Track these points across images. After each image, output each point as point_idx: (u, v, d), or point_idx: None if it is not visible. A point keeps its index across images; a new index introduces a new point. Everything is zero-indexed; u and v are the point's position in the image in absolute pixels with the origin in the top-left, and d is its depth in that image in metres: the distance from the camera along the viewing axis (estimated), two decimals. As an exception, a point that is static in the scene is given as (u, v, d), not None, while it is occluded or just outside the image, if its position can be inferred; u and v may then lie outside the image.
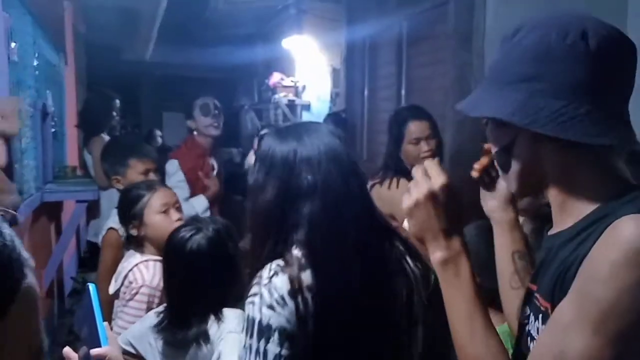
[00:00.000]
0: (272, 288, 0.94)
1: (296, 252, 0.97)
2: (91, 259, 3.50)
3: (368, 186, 1.35)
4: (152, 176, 1.87)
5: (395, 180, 1.94)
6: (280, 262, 0.97)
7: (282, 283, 0.94)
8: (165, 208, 1.52)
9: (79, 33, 4.84)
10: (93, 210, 3.16)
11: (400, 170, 1.96)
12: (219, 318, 1.26)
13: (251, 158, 3.65)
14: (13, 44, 2.23)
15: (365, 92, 4.24)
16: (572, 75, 0.70)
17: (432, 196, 0.80)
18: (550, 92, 0.71)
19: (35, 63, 2.75)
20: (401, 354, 1.05)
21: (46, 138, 2.95)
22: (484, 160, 0.95)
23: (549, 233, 0.79)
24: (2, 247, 0.49)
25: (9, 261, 0.49)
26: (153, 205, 1.51)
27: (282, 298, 0.94)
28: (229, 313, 1.28)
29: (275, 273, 0.95)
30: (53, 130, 3.19)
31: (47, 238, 3.16)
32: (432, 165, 0.83)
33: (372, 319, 0.99)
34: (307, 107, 6.04)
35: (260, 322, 0.94)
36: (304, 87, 5.97)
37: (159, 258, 1.48)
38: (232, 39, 6.61)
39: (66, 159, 3.81)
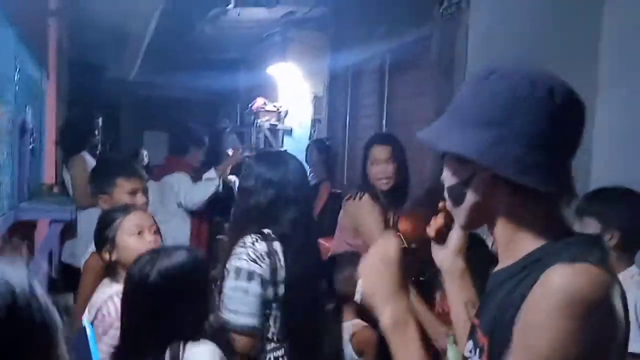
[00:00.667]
0: (255, 249, 1.43)
1: (268, 231, 1.48)
2: (64, 282, 3.40)
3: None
4: (139, 197, 1.78)
5: (359, 195, 2.12)
6: (258, 235, 1.46)
7: (261, 246, 1.44)
8: (139, 230, 1.44)
9: (62, 48, 4.80)
10: (70, 230, 3.08)
11: (366, 188, 2.12)
12: (176, 355, 1.17)
13: (231, 177, 3.64)
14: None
15: (347, 120, 4.31)
16: (536, 126, 0.76)
17: (384, 259, 0.89)
18: (515, 139, 0.76)
19: (16, 77, 2.72)
20: None
21: (23, 155, 2.89)
22: (440, 220, 1.01)
23: (494, 270, 0.84)
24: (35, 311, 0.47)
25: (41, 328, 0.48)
26: (126, 226, 1.44)
27: (262, 256, 1.43)
28: (197, 349, 1.19)
29: (256, 239, 1.45)
30: (31, 146, 3.14)
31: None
32: (389, 234, 0.96)
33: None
34: (289, 132, 6.08)
35: (247, 270, 1.40)
36: (286, 113, 6.03)
37: None
38: (217, 63, 6.66)
39: (43, 176, 3.73)
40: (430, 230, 1.02)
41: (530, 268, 0.74)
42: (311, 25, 5.05)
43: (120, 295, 1.33)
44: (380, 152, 2.09)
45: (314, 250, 1.59)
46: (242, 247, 1.43)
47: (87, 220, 3.10)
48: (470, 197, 0.82)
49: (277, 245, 1.46)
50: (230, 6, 4.38)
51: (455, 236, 1.01)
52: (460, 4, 2.71)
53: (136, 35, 4.97)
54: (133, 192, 1.76)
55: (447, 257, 1.01)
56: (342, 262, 1.97)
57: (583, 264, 0.70)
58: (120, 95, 7.17)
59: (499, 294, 0.78)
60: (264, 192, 1.48)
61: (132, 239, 1.43)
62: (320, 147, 4.07)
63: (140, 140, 7.54)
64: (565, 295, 0.67)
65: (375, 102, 3.83)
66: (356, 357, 1.83)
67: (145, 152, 4.74)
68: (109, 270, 1.45)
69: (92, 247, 1.67)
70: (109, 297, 1.38)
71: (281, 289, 1.45)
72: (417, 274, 1.72)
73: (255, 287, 1.39)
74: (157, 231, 1.50)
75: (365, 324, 1.89)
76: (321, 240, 3.31)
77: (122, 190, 1.75)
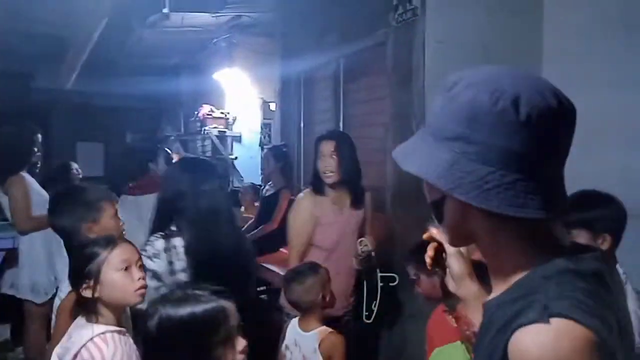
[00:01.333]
0: (152, 246, 1.71)
1: (173, 228, 1.75)
2: (3, 314, 3.12)
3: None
4: (118, 219, 1.72)
5: (304, 189, 2.38)
6: (160, 233, 1.74)
7: (159, 243, 1.71)
8: (125, 265, 1.34)
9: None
10: (9, 258, 2.82)
11: (314, 182, 2.29)
12: None
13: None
14: None
15: (302, 126, 4.28)
16: (500, 142, 0.67)
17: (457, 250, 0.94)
18: (479, 157, 0.68)
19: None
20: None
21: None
22: (430, 252, 0.98)
23: (486, 299, 0.79)
24: None
25: None
26: (112, 262, 1.32)
27: (157, 253, 1.69)
28: None
29: (156, 238, 1.73)
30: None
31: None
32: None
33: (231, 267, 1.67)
34: (237, 138, 5.97)
35: (145, 265, 1.51)
36: (234, 119, 5.91)
37: (119, 329, 1.32)
38: (158, 69, 6.40)
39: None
40: (428, 265, 0.98)
41: (520, 305, 0.68)
42: (259, 30, 4.97)
43: (103, 338, 1.23)
44: (325, 146, 2.20)
45: (222, 242, 1.76)
46: (145, 245, 1.70)
47: (30, 247, 2.88)
48: (446, 217, 0.76)
49: (176, 241, 1.70)
50: (166, 10, 4.21)
51: (454, 262, 0.95)
52: (416, 10, 2.76)
53: (75, 45, 4.67)
54: (116, 214, 1.67)
55: (452, 284, 0.97)
56: (303, 272, 1.99)
57: (557, 320, 0.64)
58: (51, 105, 6.69)
59: (491, 330, 0.72)
60: (168, 193, 1.77)
61: (119, 275, 1.31)
62: (277, 154, 4.01)
63: (72, 152, 7.09)
64: None
65: (330, 107, 3.83)
66: None
67: (75, 165, 4.40)
68: (86, 309, 1.32)
69: (64, 285, 1.52)
70: (89, 340, 1.25)
71: (181, 277, 1.67)
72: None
73: (149, 281, 1.52)
74: (142, 266, 1.39)
75: (330, 329, 1.94)
76: (282, 249, 3.31)
77: (108, 214, 1.63)
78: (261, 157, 5.07)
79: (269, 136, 5.18)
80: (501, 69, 0.73)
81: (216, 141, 5.78)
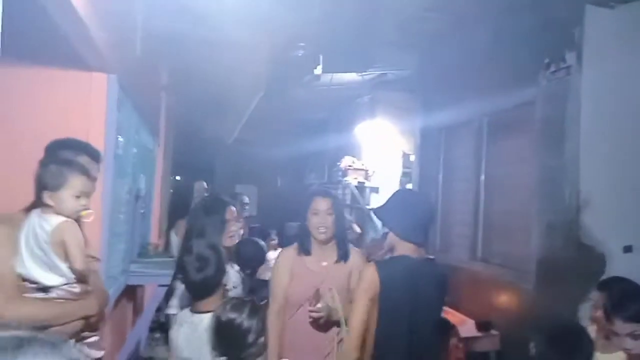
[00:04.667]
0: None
1: None
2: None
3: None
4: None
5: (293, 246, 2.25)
6: None
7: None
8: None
9: (170, 119, 5.24)
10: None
11: (303, 240, 2.19)
12: None
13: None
14: (120, 138, 2.44)
15: (440, 180, 4.19)
16: None
17: None
18: None
19: (134, 151, 2.98)
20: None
21: (136, 220, 3.12)
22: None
23: None
24: None
25: None
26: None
27: None
28: None
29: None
30: (142, 211, 3.38)
31: (124, 318, 3.24)
32: None
33: None
34: (375, 189, 6.08)
35: None
36: (373, 172, 6.05)
37: None
38: (307, 123, 6.92)
39: (150, 236, 4.00)
40: None
41: None
42: (400, 86, 5.09)
43: None
44: (322, 204, 2.13)
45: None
46: None
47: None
48: None
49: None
50: (318, 71, 4.56)
51: None
52: (570, 69, 2.57)
53: (239, 104, 5.33)
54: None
55: None
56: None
57: None
58: (216, 156, 7.65)
59: None
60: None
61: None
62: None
63: (232, 192, 8.01)
64: None
65: (470, 165, 3.69)
66: None
67: (245, 196, 5.04)
68: None
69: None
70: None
71: None
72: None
73: None
74: None
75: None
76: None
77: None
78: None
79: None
80: None
81: (355, 191, 5.95)
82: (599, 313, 1.85)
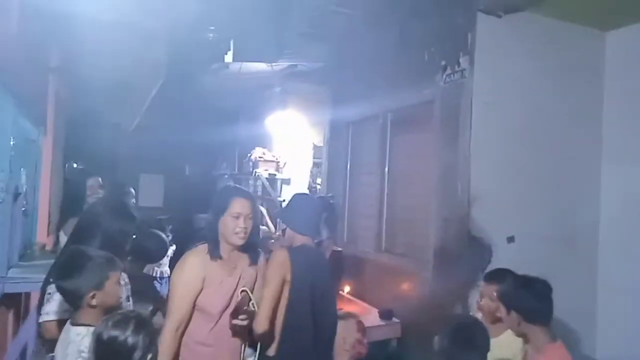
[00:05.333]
0: None
1: None
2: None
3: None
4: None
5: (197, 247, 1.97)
6: None
7: None
8: None
9: (60, 106, 4.75)
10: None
11: (214, 243, 1.94)
12: None
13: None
14: (-9, 130, 2.15)
15: (347, 174, 4.26)
16: None
17: None
18: None
19: (12, 143, 2.66)
20: None
21: (15, 219, 2.79)
22: None
23: None
24: None
25: None
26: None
27: None
28: None
29: None
30: (23, 208, 3.04)
31: (3, 328, 2.91)
32: None
33: None
34: (287, 181, 6.05)
35: None
36: (285, 163, 6.01)
37: None
38: (217, 112, 6.69)
39: (35, 235, 3.62)
40: None
41: None
42: (311, 79, 5.08)
43: None
44: (244, 206, 1.92)
45: None
46: None
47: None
48: None
49: None
50: (228, 59, 4.41)
51: None
52: (464, 72, 2.70)
53: (141, 89, 4.99)
54: (117, 283, 1.63)
55: None
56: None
57: None
58: (118, 143, 7.15)
59: None
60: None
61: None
62: (325, 205, 3.97)
63: (136, 182, 7.52)
64: None
65: (376, 160, 3.78)
66: None
67: (132, 191, 4.61)
68: None
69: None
70: None
71: None
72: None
73: None
74: None
75: None
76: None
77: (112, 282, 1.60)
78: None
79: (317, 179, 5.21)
80: None
81: (266, 183, 5.87)
82: (484, 301, 2.06)
